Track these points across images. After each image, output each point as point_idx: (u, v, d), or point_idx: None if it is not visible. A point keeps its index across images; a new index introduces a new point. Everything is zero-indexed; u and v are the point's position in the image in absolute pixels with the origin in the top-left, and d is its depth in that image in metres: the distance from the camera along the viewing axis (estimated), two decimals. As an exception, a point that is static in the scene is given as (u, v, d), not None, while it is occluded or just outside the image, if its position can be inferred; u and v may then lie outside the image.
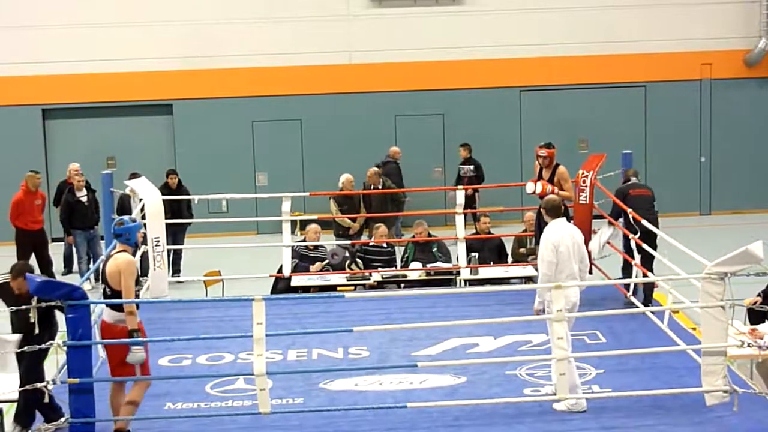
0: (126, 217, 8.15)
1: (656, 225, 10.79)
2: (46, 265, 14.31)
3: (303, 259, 12.59)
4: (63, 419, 7.83)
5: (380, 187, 15.72)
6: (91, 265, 14.54)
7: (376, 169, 16.15)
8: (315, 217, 14.51)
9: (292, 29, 18.74)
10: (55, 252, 16.03)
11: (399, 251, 13.57)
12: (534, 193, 11.12)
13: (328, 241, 13.68)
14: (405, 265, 12.83)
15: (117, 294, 7.77)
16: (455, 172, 17.96)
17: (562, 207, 8.79)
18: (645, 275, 10.67)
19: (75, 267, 15.77)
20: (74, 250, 15.25)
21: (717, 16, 19.07)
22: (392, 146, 17.89)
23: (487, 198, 17.56)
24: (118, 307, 7.76)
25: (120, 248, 7.92)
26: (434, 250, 12.88)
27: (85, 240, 14.76)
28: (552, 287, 7.95)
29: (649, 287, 11.00)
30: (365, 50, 18.88)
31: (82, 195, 14.85)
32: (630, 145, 15.12)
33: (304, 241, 12.88)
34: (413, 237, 12.98)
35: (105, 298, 7.90)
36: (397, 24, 18.87)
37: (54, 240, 17.94)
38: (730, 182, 19.37)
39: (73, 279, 13.74)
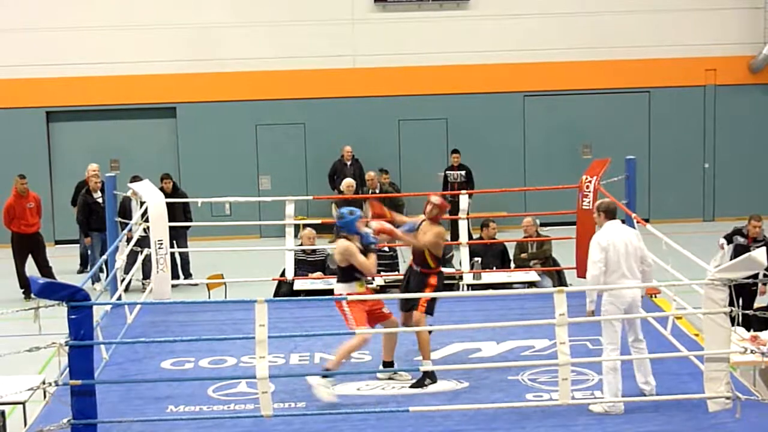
0: (344, 210, 8.86)
1: None
2: (44, 268, 14.31)
3: (299, 264, 12.59)
4: (66, 420, 7.81)
5: (378, 191, 15.75)
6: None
7: (373, 174, 16.22)
8: (318, 221, 14.53)
9: (296, 33, 18.75)
10: (65, 254, 16.06)
11: (400, 255, 13.58)
12: (434, 202, 9.25)
13: (324, 246, 13.66)
14: None
15: (342, 270, 8.80)
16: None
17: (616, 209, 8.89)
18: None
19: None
20: (89, 251, 15.22)
21: (721, 22, 19.08)
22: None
23: (488, 203, 17.56)
24: (343, 281, 8.83)
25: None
26: (450, 257, 12.99)
27: (100, 242, 14.66)
28: (555, 291, 7.95)
29: None
30: (369, 54, 18.90)
31: (99, 196, 14.82)
32: (634, 150, 15.12)
33: (301, 245, 12.89)
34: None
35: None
36: (401, 28, 18.89)
37: (58, 242, 18.05)
38: (733, 188, 19.36)
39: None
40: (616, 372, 8.23)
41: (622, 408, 8.22)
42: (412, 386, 8.85)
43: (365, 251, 8.76)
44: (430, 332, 9.17)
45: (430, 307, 9.14)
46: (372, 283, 9.07)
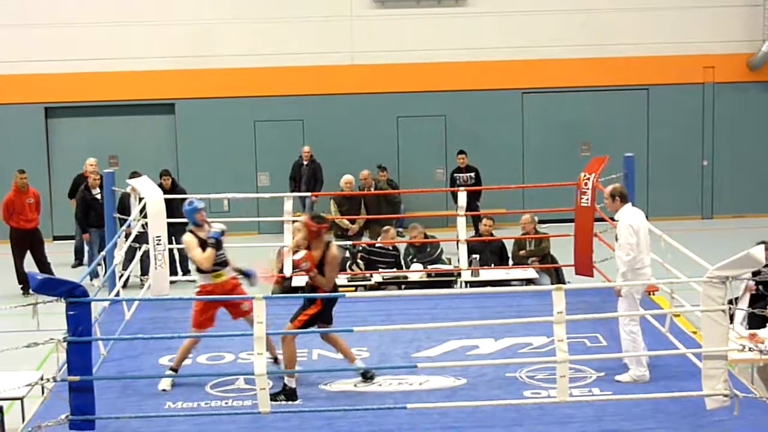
0: (195, 199, 9.12)
1: None
2: (42, 263, 14.31)
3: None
4: (64, 416, 7.81)
5: (373, 188, 15.74)
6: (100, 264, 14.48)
7: (367, 172, 16.19)
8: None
9: (295, 29, 18.74)
10: (63, 250, 16.05)
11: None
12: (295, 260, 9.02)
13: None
14: (407, 266, 12.85)
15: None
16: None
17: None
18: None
19: (86, 259, 15.70)
20: (86, 247, 15.18)
21: (720, 19, 19.07)
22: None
23: (487, 200, 17.55)
24: (198, 272, 8.92)
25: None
26: (439, 254, 12.96)
27: (98, 238, 14.62)
28: (553, 288, 7.95)
29: None
30: (367, 51, 18.88)
31: (97, 193, 14.79)
32: (632, 148, 15.12)
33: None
34: (409, 240, 13.04)
35: None
36: (400, 25, 18.88)
37: (56, 238, 18.05)
38: (732, 186, 19.37)
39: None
40: (637, 342, 8.66)
41: (648, 376, 8.65)
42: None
43: (204, 244, 8.85)
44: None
45: (309, 324, 8.71)
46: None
